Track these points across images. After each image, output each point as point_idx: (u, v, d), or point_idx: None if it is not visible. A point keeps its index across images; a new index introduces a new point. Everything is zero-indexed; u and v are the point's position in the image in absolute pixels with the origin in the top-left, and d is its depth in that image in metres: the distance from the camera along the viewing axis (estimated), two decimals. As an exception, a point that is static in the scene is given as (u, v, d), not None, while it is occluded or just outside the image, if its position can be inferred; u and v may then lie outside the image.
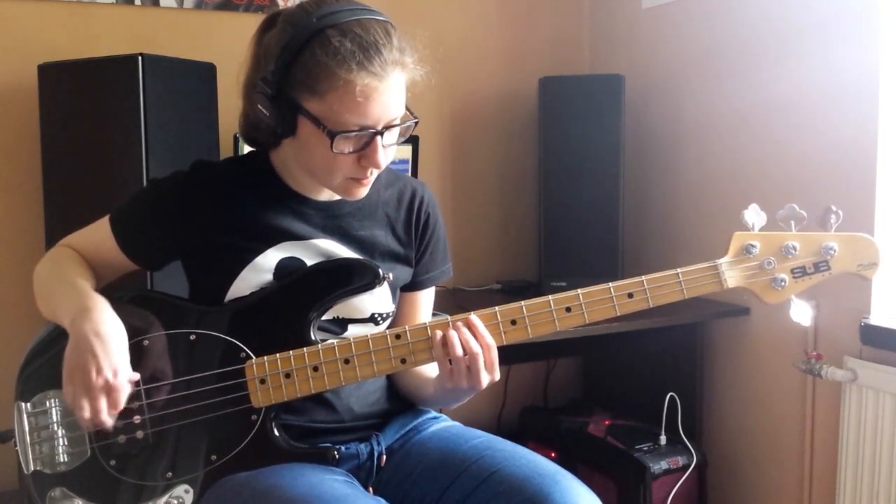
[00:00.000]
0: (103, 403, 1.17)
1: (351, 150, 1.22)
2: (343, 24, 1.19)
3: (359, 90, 1.17)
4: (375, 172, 1.27)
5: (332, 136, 1.19)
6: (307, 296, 1.29)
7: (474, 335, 1.24)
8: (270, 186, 1.34)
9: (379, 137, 1.21)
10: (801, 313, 1.29)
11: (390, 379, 1.46)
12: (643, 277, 1.28)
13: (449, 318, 1.27)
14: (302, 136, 1.24)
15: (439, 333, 1.25)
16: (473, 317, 1.26)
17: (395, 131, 1.25)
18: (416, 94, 1.27)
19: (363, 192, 1.30)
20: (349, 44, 1.17)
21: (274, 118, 1.23)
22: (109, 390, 1.17)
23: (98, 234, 1.36)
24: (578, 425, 2.52)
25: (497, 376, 1.27)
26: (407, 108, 1.25)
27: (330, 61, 1.16)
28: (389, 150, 1.26)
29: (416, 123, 1.28)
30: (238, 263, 1.30)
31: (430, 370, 1.42)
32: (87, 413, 1.17)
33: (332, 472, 1.27)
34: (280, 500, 1.17)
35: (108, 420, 1.19)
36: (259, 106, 1.23)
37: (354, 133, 1.20)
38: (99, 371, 1.16)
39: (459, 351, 1.23)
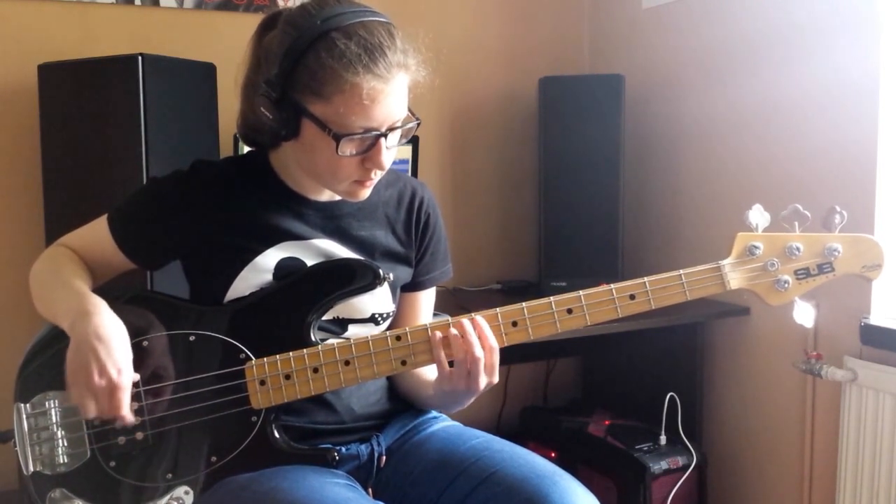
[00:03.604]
0: (107, 404, 1.17)
1: (355, 152, 1.22)
2: (347, 26, 1.18)
3: (365, 93, 1.17)
4: (379, 174, 1.27)
5: (337, 138, 1.19)
6: (307, 296, 1.29)
7: (479, 337, 1.24)
8: (270, 187, 1.34)
9: (383, 139, 1.21)
10: (805, 315, 1.29)
11: (390, 379, 1.46)
12: (645, 279, 1.27)
13: (449, 318, 1.27)
14: (306, 139, 1.23)
15: (439, 334, 1.25)
16: (479, 318, 1.25)
17: (398, 133, 1.25)
18: (417, 95, 1.27)
19: (366, 193, 1.30)
20: (354, 46, 1.16)
21: (277, 121, 1.22)
22: (114, 390, 1.17)
23: (96, 234, 1.35)
24: (578, 425, 2.52)
25: (496, 380, 1.26)
26: (409, 110, 1.25)
27: (336, 64, 1.16)
28: (392, 151, 1.26)
29: (419, 125, 1.28)
30: (238, 263, 1.30)
31: (430, 372, 1.41)
32: (92, 414, 1.17)
33: (334, 474, 1.27)
34: (281, 503, 1.16)
35: (113, 417, 1.19)
36: (262, 108, 1.23)
37: (359, 135, 1.20)
38: (102, 372, 1.16)
39: (461, 353, 1.23)
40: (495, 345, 1.25)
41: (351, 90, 1.17)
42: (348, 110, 1.18)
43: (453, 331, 1.24)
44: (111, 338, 1.18)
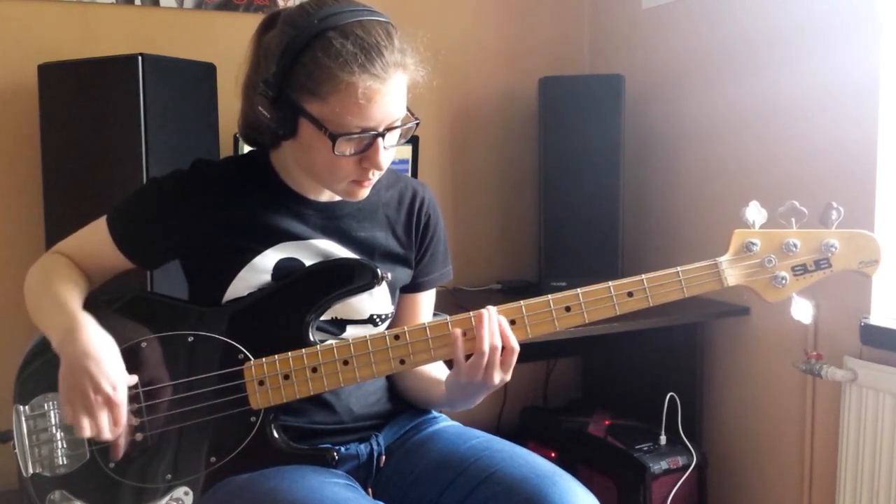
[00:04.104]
0: (105, 420, 1.18)
1: (352, 151, 1.21)
2: (344, 25, 1.18)
3: (361, 92, 1.16)
4: (377, 174, 1.27)
5: (333, 138, 1.18)
6: (305, 296, 1.29)
7: (501, 335, 1.24)
8: (270, 187, 1.34)
9: (380, 139, 1.21)
10: (802, 311, 1.29)
11: (390, 379, 1.46)
12: (643, 276, 1.27)
13: (448, 318, 1.27)
14: (303, 138, 1.23)
15: (459, 331, 1.24)
16: (503, 319, 1.25)
17: (397, 133, 1.25)
18: (416, 95, 1.27)
19: (364, 193, 1.30)
20: (350, 45, 1.16)
21: (275, 120, 1.22)
22: (110, 406, 1.18)
23: (94, 235, 1.35)
24: (578, 425, 2.52)
25: (508, 377, 1.27)
26: (408, 110, 1.25)
27: (332, 63, 1.16)
28: (391, 152, 1.25)
29: (418, 125, 1.28)
30: (237, 264, 1.30)
31: (436, 371, 1.41)
32: (89, 432, 1.17)
33: (333, 474, 1.27)
34: (281, 503, 1.16)
35: (111, 436, 1.19)
36: (259, 108, 1.23)
37: (356, 135, 1.20)
38: (97, 390, 1.17)
39: (486, 346, 1.23)
40: (516, 346, 1.25)
41: (346, 90, 1.16)
42: (344, 110, 1.17)
43: (483, 326, 1.24)
44: (101, 354, 1.18)
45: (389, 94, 1.19)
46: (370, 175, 1.26)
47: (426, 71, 1.26)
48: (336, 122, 1.18)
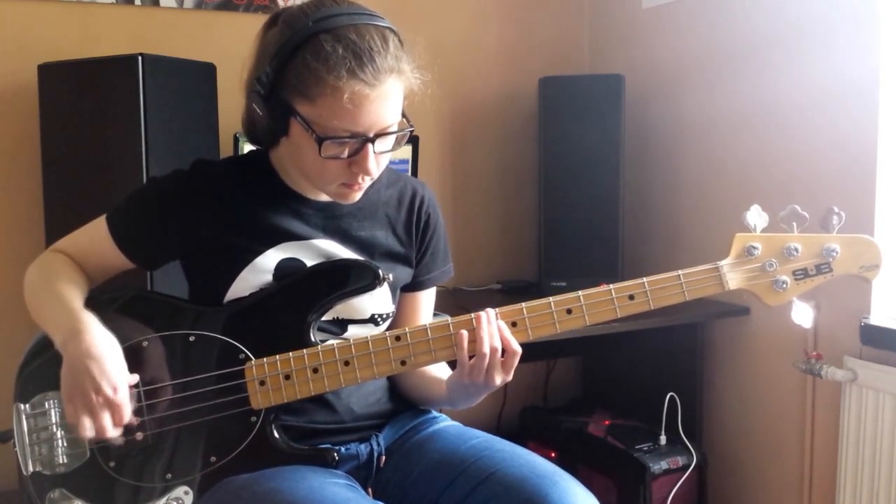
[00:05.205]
0: (107, 421, 1.18)
1: (340, 155, 1.21)
2: (338, 29, 1.17)
3: (347, 97, 1.16)
4: (368, 179, 1.26)
5: (319, 140, 1.18)
6: (307, 297, 1.29)
7: (502, 339, 1.25)
8: (270, 186, 1.34)
9: (370, 145, 1.20)
10: (803, 315, 1.29)
11: (391, 379, 1.46)
12: (644, 279, 1.27)
13: (450, 318, 1.27)
14: (294, 139, 1.23)
15: (464, 332, 1.24)
16: (502, 323, 1.26)
17: (390, 139, 1.24)
18: (414, 100, 1.26)
19: (355, 196, 1.29)
20: (341, 50, 1.15)
21: (267, 118, 1.22)
22: (112, 407, 1.17)
23: (94, 235, 1.35)
24: (578, 425, 2.52)
25: (510, 378, 1.27)
26: (404, 115, 1.24)
27: (320, 67, 1.15)
28: (382, 157, 1.24)
29: (412, 131, 1.26)
30: (238, 264, 1.30)
31: (437, 370, 1.42)
32: (90, 432, 1.17)
33: (333, 474, 1.27)
34: (280, 503, 1.16)
35: (113, 435, 1.19)
36: (254, 105, 1.23)
37: (344, 139, 1.19)
38: (98, 391, 1.16)
39: (486, 348, 1.23)
40: (518, 349, 1.25)
41: (333, 94, 1.16)
42: (331, 114, 1.17)
43: (481, 328, 1.24)
44: (104, 355, 1.18)
45: (380, 100, 1.18)
46: (359, 180, 1.25)
47: (425, 78, 1.25)
48: (323, 124, 1.18)
